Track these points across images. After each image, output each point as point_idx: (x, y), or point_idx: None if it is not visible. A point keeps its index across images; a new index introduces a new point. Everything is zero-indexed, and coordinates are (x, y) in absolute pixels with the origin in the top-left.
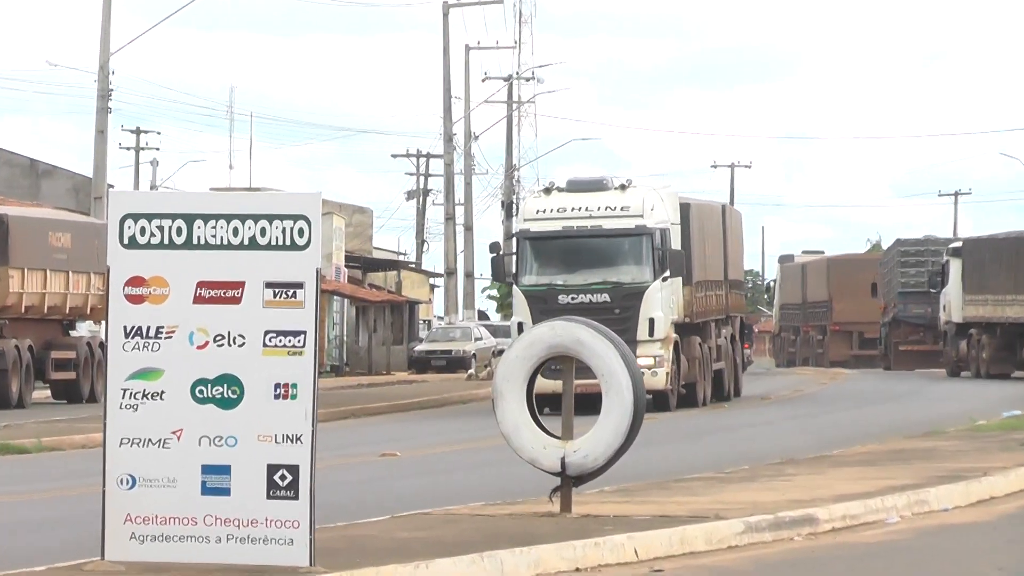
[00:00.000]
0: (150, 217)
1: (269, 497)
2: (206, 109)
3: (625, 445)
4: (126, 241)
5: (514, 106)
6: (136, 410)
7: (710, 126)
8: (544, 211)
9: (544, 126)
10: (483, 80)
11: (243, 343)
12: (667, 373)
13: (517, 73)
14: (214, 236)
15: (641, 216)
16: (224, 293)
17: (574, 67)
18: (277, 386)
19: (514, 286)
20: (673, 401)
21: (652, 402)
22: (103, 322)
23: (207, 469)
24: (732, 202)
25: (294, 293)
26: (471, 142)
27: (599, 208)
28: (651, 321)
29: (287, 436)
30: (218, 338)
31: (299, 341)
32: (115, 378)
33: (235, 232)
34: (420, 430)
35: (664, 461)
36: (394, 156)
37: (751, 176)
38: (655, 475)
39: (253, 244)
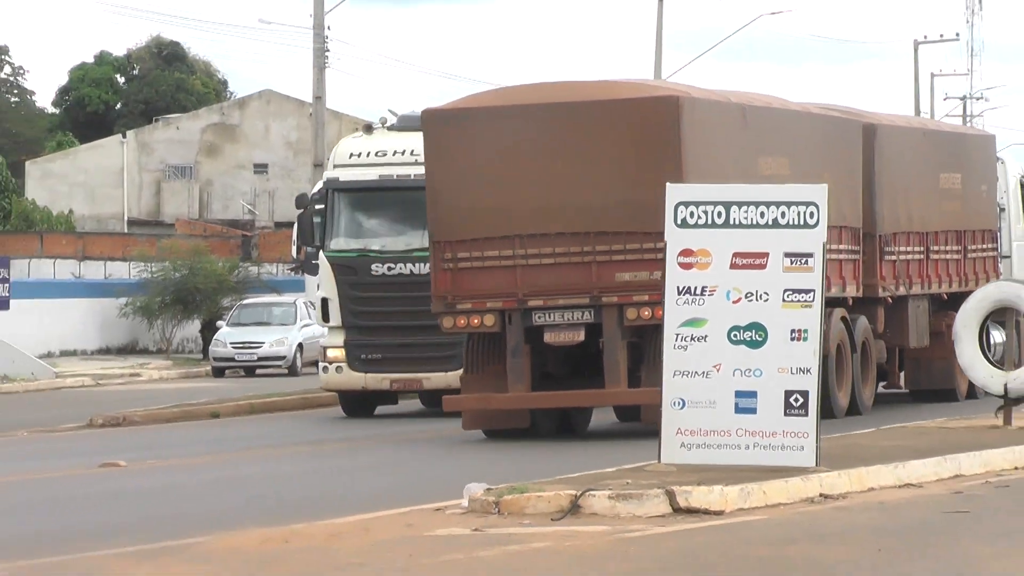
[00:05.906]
0: (697, 204)
1: (786, 415)
2: None
3: None
4: (679, 222)
5: (968, 120)
6: (686, 350)
7: None
8: (359, 155)
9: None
10: (944, 99)
11: (767, 299)
12: None
13: (969, 94)
14: (746, 218)
15: None
16: (754, 261)
17: (1016, 87)
18: (793, 331)
19: (320, 252)
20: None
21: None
22: None
23: (739, 394)
24: None
25: (806, 261)
26: None
27: None
28: None
29: (799, 368)
30: (748, 295)
31: (809, 297)
32: (670, 325)
33: (762, 215)
34: None
35: None
36: None
37: None
38: None
39: (775, 224)
